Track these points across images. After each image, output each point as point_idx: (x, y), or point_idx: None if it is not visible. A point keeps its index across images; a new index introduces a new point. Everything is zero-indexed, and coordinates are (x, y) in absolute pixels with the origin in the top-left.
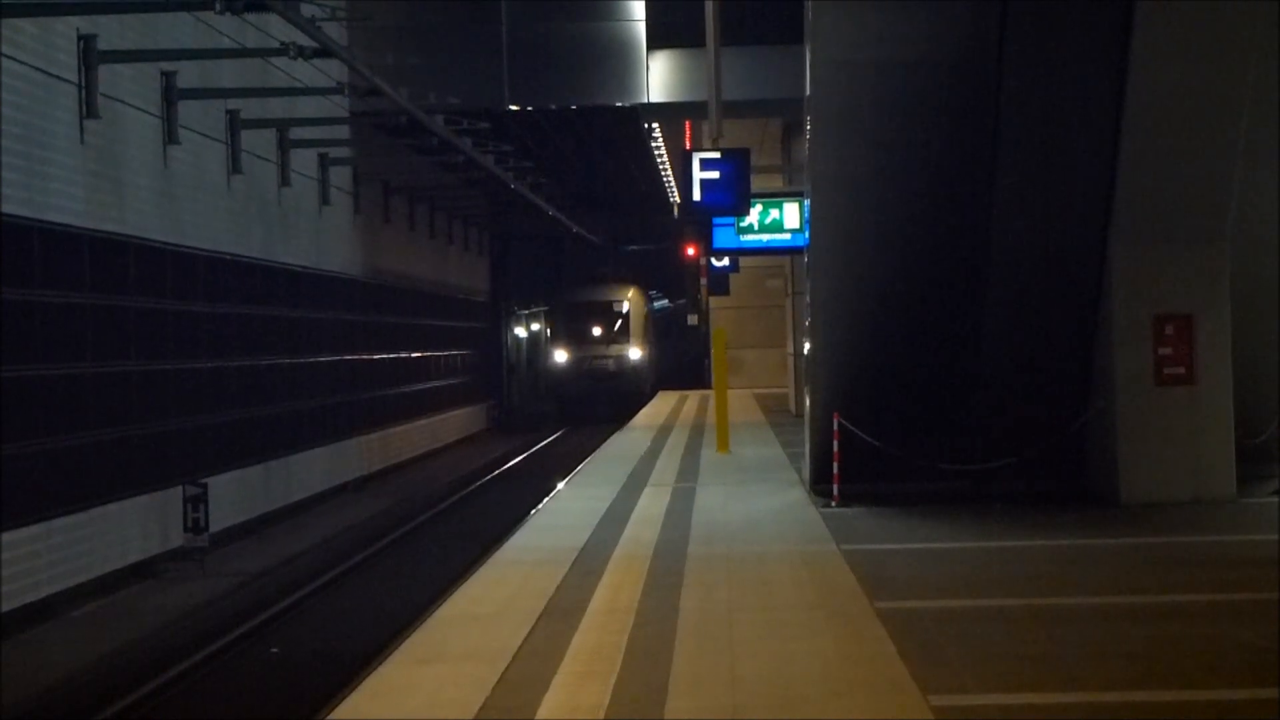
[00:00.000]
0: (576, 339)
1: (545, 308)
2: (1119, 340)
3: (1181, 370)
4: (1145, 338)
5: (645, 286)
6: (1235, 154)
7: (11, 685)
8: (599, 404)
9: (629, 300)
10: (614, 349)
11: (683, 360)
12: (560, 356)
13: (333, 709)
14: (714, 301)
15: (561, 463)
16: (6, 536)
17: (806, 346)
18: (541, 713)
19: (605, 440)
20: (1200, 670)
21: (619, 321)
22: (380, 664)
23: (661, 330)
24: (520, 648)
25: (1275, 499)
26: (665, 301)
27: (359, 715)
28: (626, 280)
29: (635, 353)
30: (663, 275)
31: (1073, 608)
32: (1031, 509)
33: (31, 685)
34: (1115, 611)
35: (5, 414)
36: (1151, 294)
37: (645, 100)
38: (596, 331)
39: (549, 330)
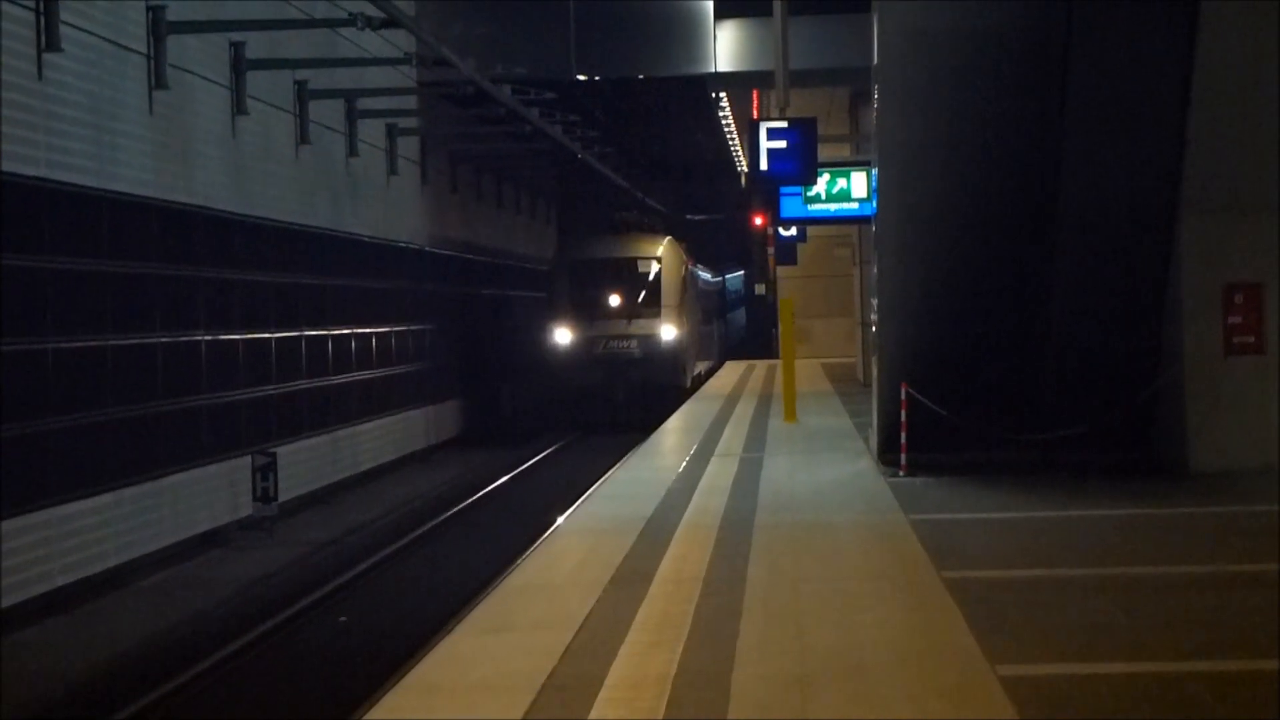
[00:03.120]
0: (586, 312)
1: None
2: (1188, 309)
3: (1251, 339)
4: (1214, 307)
5: (682, 239)
6: None
7: (79, 654)
8: (618, 402)
9: (660, 256)
10: (639, 325)
11: (749, 331)
12: (563, 336)
13: (402, 677)
14: (781, 271)
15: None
16: (76, 506)
17: (874, 316)
18: (609, 680)
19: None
20: (1269, 639)
21: (646, 286)
22: (449, 633)
23: (724, 301)
24: (587, 616)
25: None
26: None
27: (428, 682)
28: (657, 230)
29: (669, 330)
30: (730, 244)
31: (1141, 577)
32: (1100, 478)
33: (99, 654)
34: (1184, 581)
35: (75, 385)
36: (1221, 263)
37: (712, 70)
38: (614, 301)
39: (549, 300)
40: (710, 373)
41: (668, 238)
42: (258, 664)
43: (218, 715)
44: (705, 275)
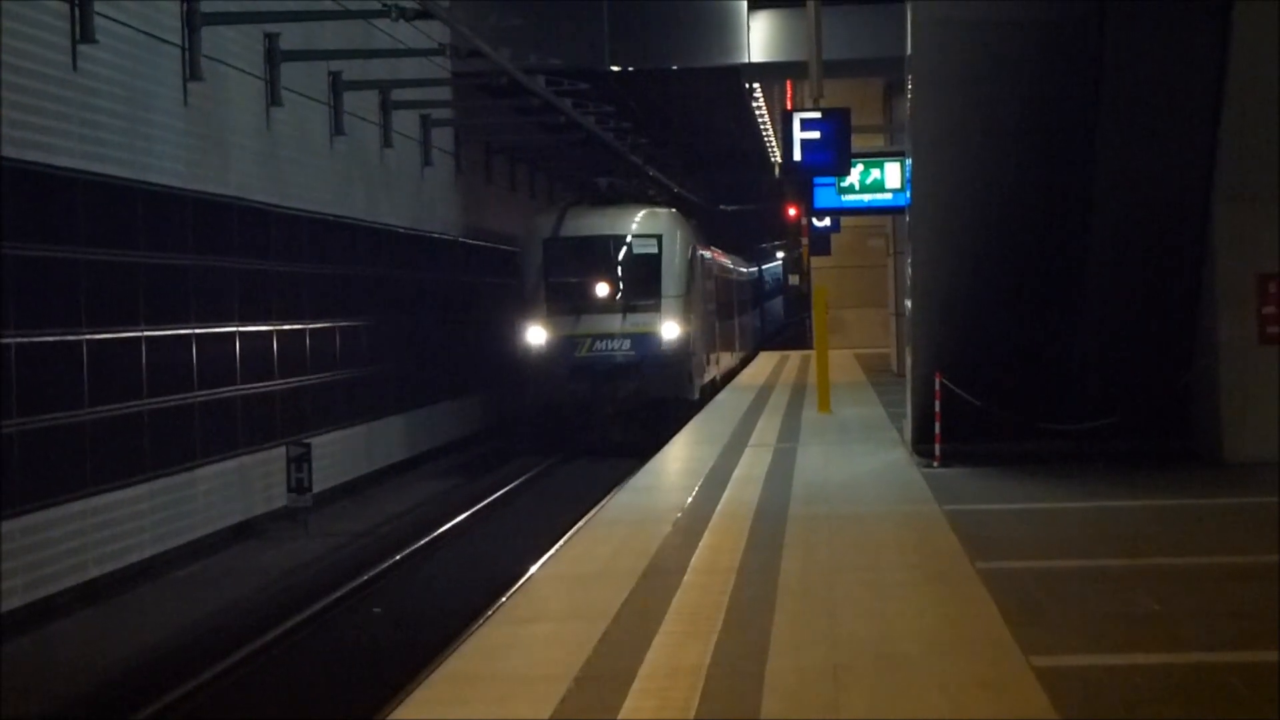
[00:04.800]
0: (566, 305)
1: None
2: (1222, 299)
3: None
4: (1248, 296)
5: (688, 213)
6: None
7: (111, 645)
8: (608, 419)
9: (662, 234)
10: (634, 322)
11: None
12: (536, 336)
13: (435, 668)
14: (815, 261)
15: None
16: (108, 498)
17: (908, 306)
18: (643, 671)
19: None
20: None
21: (643, 272)
22: (482, 623)
23: (753, 293)
24: (621, 607)
25: None
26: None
27: (461, 673)
28: (655, 202)
29: (672, 328)
30: (762, 234)
31: (1176, 568)
32: (1134, 468)
33: (124, 649)
34: (1219, 571)
35: (108, 377)
36: (1255, 252)
37: (746, 60)
38: (601, 290)
39: (519, 290)
40: (737, 370)
41: (671, 210)
42: (290, 654)
43: (245, 712)
44: (724, 261)
